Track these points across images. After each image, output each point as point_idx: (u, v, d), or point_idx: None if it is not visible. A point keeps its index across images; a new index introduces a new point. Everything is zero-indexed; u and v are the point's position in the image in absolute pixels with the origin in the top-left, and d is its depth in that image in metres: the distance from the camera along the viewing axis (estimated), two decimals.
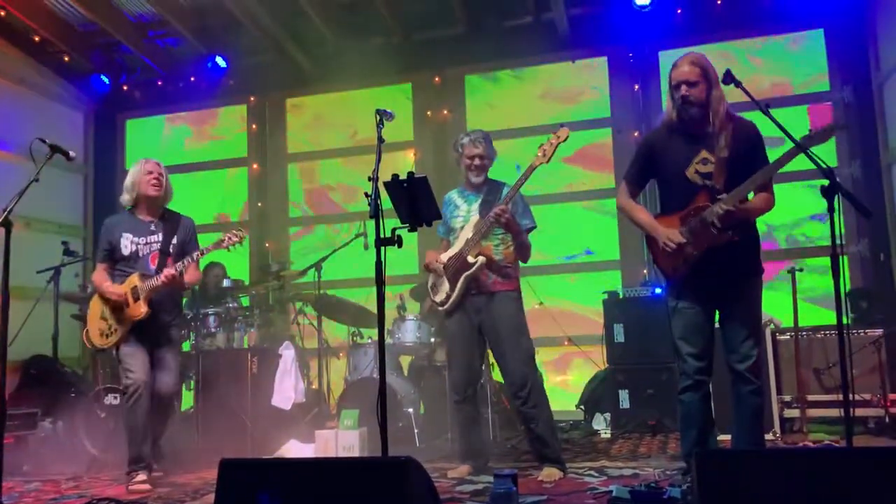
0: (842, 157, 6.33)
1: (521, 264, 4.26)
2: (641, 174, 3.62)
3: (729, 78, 3.18)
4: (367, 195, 3.12)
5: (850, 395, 3.05)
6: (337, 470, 2.37)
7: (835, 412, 5.06)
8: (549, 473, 3.94)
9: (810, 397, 5.08)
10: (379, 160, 3.23)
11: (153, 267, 4.34)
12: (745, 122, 3.40)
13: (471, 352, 4.17)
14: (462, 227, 4.18)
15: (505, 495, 2.74)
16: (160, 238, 4.41)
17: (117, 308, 4.31)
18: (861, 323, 5.39)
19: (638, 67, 6.92)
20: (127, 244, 4.38)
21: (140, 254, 4.39)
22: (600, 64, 7.12)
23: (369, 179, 3.15)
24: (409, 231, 3.15)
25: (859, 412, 4.95)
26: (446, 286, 4.14)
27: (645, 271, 6.63)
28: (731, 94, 3.30)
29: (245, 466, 2.45)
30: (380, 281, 3.07)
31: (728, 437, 3.66)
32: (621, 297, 5.94)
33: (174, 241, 4.42)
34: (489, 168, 4.25)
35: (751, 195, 3.34)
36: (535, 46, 7.00)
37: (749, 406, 3.34)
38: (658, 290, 5.81)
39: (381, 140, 3.29)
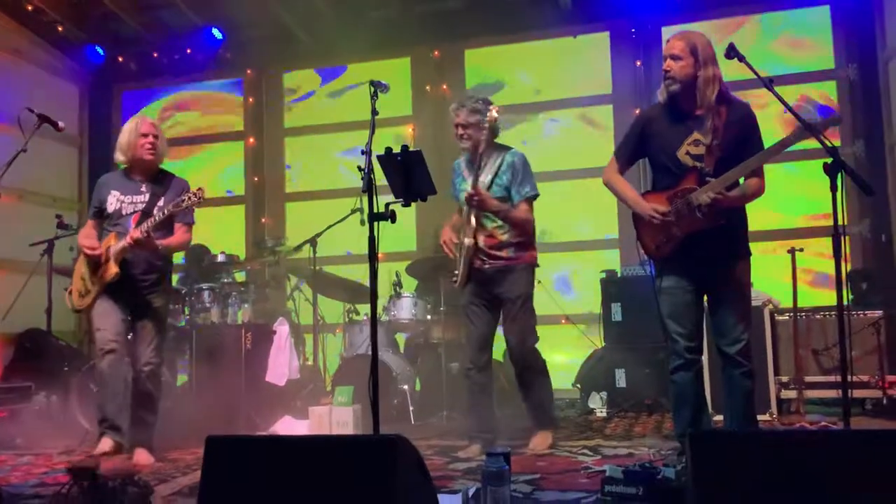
0: (845, 136, 6.25)
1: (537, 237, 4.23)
2: (632, 151, 3.56)
3: (732, 52, 3.12)
4: (360, 169, 3.06)
5: (850, 377, 3.03)
6: (324, 448, 2.33)
7: (832, 393, 5.04)
8: (542, 438, 4.05)
9: (808, 378, 5.05)
10: (373, 133, 3.17)
11: (133, 227, 4.12)
12: (739, 103, 3.32)
13: (483, 322, 4.13)
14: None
15: (497, 474, 2.70)
16: (146, 199, 4.24)
17: (95, 268, 4.17)
18: (860, 304, 5.34)
19: (640, 43, 6.82)
20: (113, 201, 4.25)
21: (123, 212, 4.22)
22: (602, 39, 7.01)
23: (363, 153, 3.09)
24: (403, 206, 3.09)
25: (857, 393, 4.92)
26: (458, 265, 4.12)
27: (642, 250, 6.56)
28: (737, 70, 3.21)
29: (231, 443, 2.41)
30: (373, 256, 3.02)
31: (722, 416, 3.62)
32: (619, 275, 5.88)
33: (160, 202, 4.20)
34: (479, 137, 4.02)
35: (742, 179, 3.28)
36: (536, 21, 6.88)
37: (740, 389, 3.32)
38: None
39: (374, 112, 3.24)
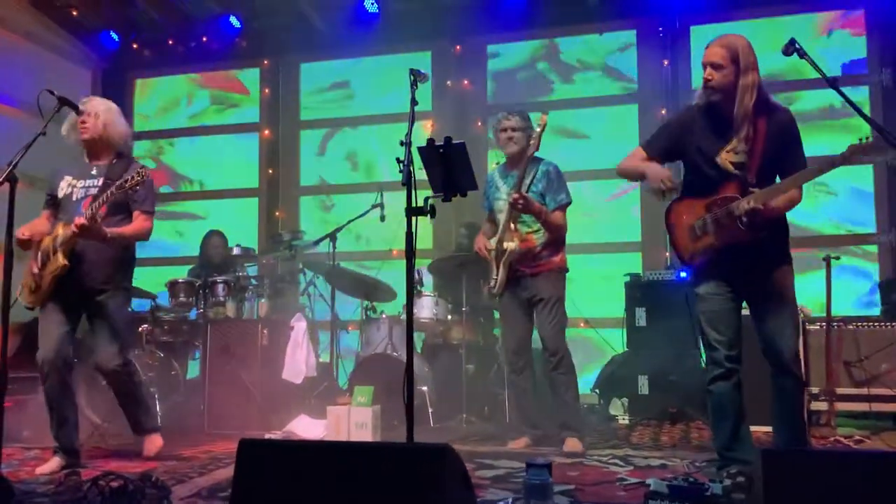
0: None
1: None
2: (665, 145, 3.36)
3: (791, 48, 2.97)
4: (399, 161, 2.92)
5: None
6: (367, 455, 2.19)
7: (863, 406, 4.88)
8: (573, 444, 4.11)
9: (839, 390, 4.90)
10: (412, 123, 3.02)
11: (83, 213, 3.72)
12: (780, 110, 3.18)
13: (520, 326, 4.34)
14: (503, 211, 4.28)
15: (541, 487, 2.56)
16: (99, 183, 3.85)
17: (44, 261, 3.80)
18: (891, 315, 5.19)
19: (668, 42, 6.66)
20: (64, 186, 3.91)
21: (74, 197, 3.87)
22: (628, 37, 6.86)
23: (402, 144, 2.95)
24: (444, 201, 2.95)
25: (888, 407, 4.82)
26: (495, 272, 4.29)
27: (667, 254, 6.44)
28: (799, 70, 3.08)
29: (266, 447, 2.26)
30: (410, 253, 2.87)
31: (759, 428, 3.48)
32: (644, 279, 5.72)
33: (114, 189, 3.72)
34: (524, 144, 4.25)
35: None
36: (561, 17, 6.76)
37: (791, 398, 3.18)
38: (683, 274, 5.60)
39: (414, 102, 3.09)
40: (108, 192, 3.68)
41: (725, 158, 3.15)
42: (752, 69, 3.08)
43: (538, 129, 4.15)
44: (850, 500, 2.01)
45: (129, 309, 4.23)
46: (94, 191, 3.86)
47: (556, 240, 4.28)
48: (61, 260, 3.70)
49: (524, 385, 4.38)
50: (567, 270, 4.38)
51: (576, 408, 4.33)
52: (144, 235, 3.97)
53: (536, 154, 4.32)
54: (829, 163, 2.93)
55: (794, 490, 2.00)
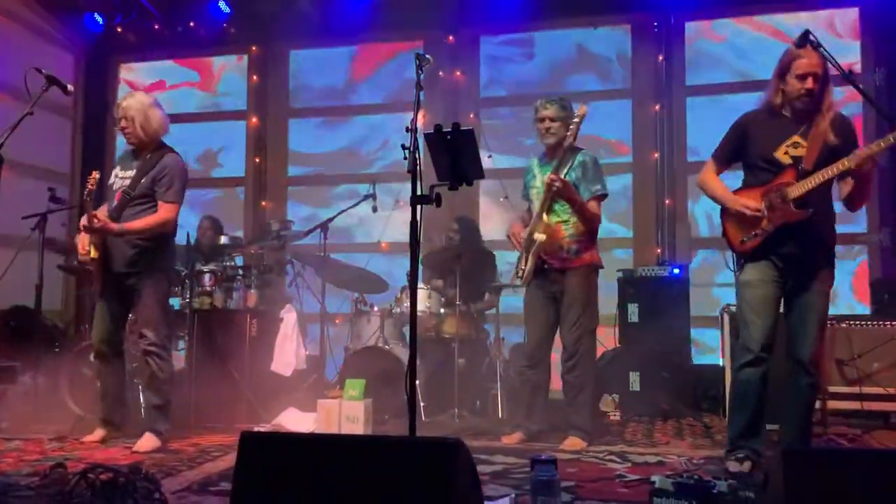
0: (869, 142, 6.08)
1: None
2: (731, 154, 3.48)
3: (805, 40, 2.97)
4: (404, 147, 2.85)
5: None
6: (374, 449, 2.11)
7: (855, 405, 4.89)
8: (573, 443, 4.07)
9: (831, 389, 4.89)
10: (417, 109, 2.95)
11: (116, 205, 4.03)
12: (844, 116, 3.31)
13: (543, 320, 4.25)
14: (537, 200, 4.19)
15: (548, 483, 2.50)
16: (133, 174, 4.04)
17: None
18: (882, 315, 5.20)
19: (662, 37, 6.62)
20: (113, 178, 4.14)
21: (114, 188, 4.09)
22: (623, 32, 6.81)
23: (407, 130, 2.88)
24: (450, 189, 2.87)
25: (879, 406, 4.81)
26: (524, 261, 4.22)
27: (658, 250, 6.41)
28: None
29: (269, 440, 2.18)
30: (414, 241, 2.80)
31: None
32: (637, 275, 5.68)
33: (143, 180, 4.00)
34: (563, 133, 4.10)
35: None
36: (556, 10, 6.68)
37: (806, 399, 3.28)
38: (676, 271, 5.58)
39: (420, 87, 3.03)
40: (84, 197, 3.90)
41: (784, 151, 3.25)
42: (830, 80, 3.23)
43: (576, 121, 4.03)
44: (873, 500, 1.97)
45: (167, 294, 4.30)
46: (127, 182, 4.02)
47: (589, 232, 4.17)
48: (92, 252, 3.95)
49: (535, 380, 4.28)
50: (601, 267, 4.27)
51: (585, 409, 4.20)
52: (162, 226, 4.04)
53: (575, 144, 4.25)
54: (874, 149, 3.09)
55: (816, 489, 1.95)
